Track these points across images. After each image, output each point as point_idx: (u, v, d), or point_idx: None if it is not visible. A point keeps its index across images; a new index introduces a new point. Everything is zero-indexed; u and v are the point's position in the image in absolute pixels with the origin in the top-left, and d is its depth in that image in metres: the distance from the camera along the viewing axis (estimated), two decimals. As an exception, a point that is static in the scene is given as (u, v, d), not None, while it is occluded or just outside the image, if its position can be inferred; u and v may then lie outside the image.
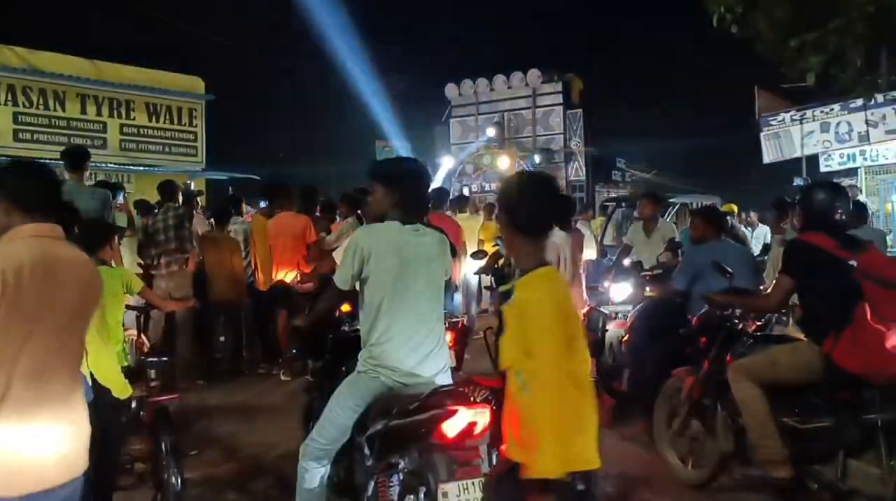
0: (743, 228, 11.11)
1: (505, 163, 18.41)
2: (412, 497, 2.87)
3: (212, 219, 9.03)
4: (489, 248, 8.82)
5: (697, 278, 5.15)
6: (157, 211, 7.86)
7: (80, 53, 15.98)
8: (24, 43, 15.22)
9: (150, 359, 4.28)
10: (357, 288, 3.26)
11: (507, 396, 2.34)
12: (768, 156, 16.90)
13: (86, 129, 15.86)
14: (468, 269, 9.28)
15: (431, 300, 3.24)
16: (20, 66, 14.80)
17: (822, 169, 16.07)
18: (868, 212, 8.29)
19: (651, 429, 5.11)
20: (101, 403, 3.47)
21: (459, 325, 5.57)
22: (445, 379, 3.19)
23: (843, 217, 3.93)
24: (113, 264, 4.64)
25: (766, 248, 8.96)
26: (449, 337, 5.29)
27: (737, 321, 4.39)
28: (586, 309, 6.14)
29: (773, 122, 16.66)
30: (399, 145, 23.20)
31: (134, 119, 16.67)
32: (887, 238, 13.68)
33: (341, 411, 3.18)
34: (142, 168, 16.39)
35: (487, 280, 9.41)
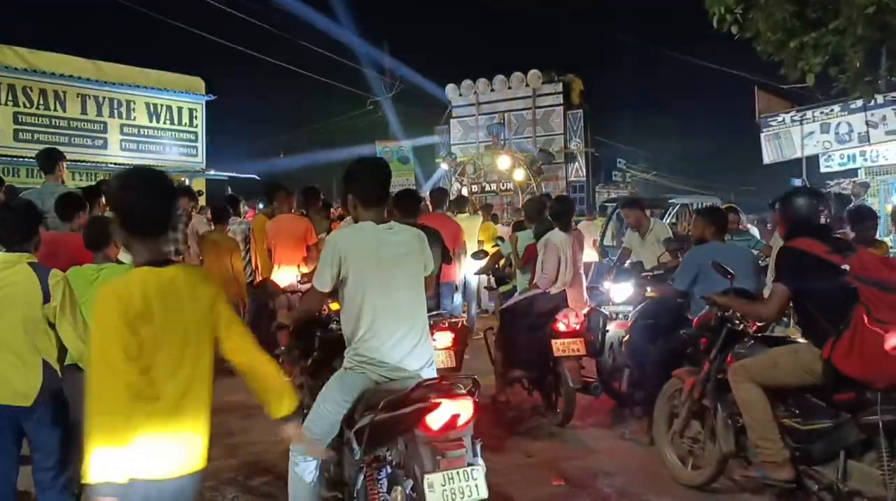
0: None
1: (505, 164, 18.40)
2: (399, 488, 2.94)
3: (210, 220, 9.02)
4: (489, 249, 8.84)
5: (698, 279, 5.15)
6: None
7: (81, 53, 15.99)
8: (24, 43, 15.25)
9: None
10: (338, 289, 3.33)
11: None
12: (768, 157, 16.90)
13: (86, 129, 15.87)
14: (468, 270, 9.29)
15: (412, 295, 3.32)
16: (21, 66, 14.81)
17: (823, 169, 16.07)
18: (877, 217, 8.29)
19: (651, 430, 5.12)
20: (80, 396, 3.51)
21: (459, 325, 5.58)
22: (430, 372, 3.27)
23: (828, 219, 3.95)
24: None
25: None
26: (449, 337, 5.35)
27: (737, 322, 4.39)
28: (587, 309, 6.14)
29: (773, 123, 16.66)
30: (399, 146, 23.23)
31: (134, 119, 16.68)
32: (886, 239, 13.70)
33: (329, 406, 3.25)
34: (142, 168, 16.38)
35: (486, 280, 9.45)
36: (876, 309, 3.39)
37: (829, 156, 15.90)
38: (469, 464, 2.81)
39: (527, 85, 20.38)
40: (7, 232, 3.46)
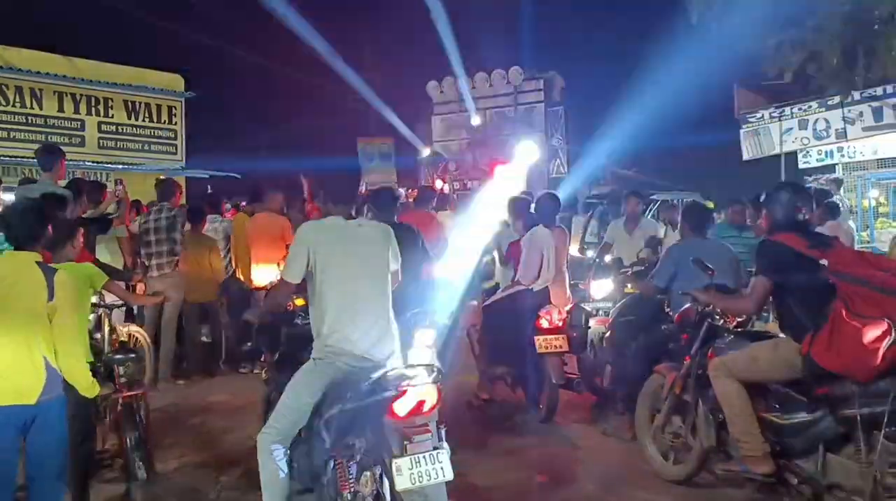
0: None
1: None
2: (368, 473, 3.06)
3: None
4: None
5: (678, 275, 5.18)
6: (150, 210, 7.72)
7: (57, 50, 15.77)
8: (-1, 40, 15.01)
9: (117, 356, 4.36)
10: (306, 283, 3.47)
11: None
12: (747, 154, 17.03)
13: (63, 127, 15.64)
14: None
15: (377, 287, 3.45)
16: (-5, 64, 14.59)
17: (801, 165, 16.22)
18: (839, 209, 8.41)
19: (633, 425, 5.14)
20: (71, 400, 3.55)
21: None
22: (396, 361, 3.39)
23: (807, 216, 4.03)
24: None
25: None
26: (431, 334, 5.33)
27: (717, 317, 4.42)
28: (569, 306, 6.16)
29: (751, 120, 16.79)
30: (381, 143, 23.14)
31: (112, 117, 16.47)
32: (863, 234, 13.86)
33: (297, 397, 3.36)
34: (121, 166, 16.20)
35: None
36: (854, 303, 3.42)
37: (807, 152, 16.05)
38: (434, 448, 2.93)
39: (508, 82, 20.38)
40: (17, 231, 3.53)
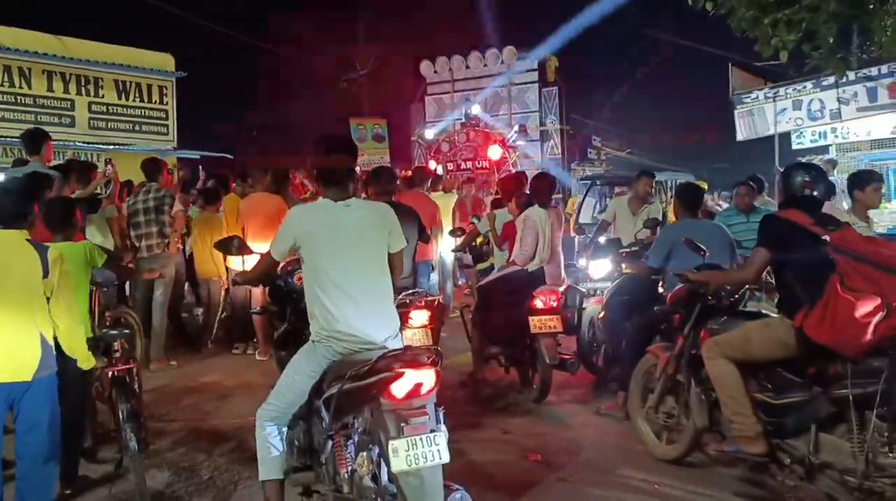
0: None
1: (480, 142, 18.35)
2: (365, 454, 3.06)
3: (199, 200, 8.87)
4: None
5: (672, 255, 5.18)
6: (138, 191, 7.66)
7: (46, 29, 15.58)
8: (-13, 18, 14.82)
9: (112, 332, 4.41)
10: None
11: None
12: (741, 134, 17.02)
13: (53, 107, 15.49)
14: (444, 247, 9.27)
15: (374, 268, 3.40)
16: (-17, 42, 14.42)
17: (794, 146, 16.23)
18: (834, 189, 8.41)
19: (626, 405, 5.16)
20: (69, 373, 3.60)
21: (436, 303, 5.56)
22: (396, 343, 3.36)
23: (817, 195, 4.05)
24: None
25: None
26: (425, 315, 5.35)
27: (711, 298, 4.42)
28: (564, 286, 6.15)
29: (746, 100, 16.76)
30: (373, 123, 23.05)
31: (103, 97, 16.31)
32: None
33: (297, 377, 3.38)
34: (112, 146, 16.08)
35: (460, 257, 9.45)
36: (850, 278, 3.44)
37: (801, 132, 16.04)
38: (431, 431, 2.92)
39: (502, 62, 20.28)
40: (3, 210, 3.57)
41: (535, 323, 5.80)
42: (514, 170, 14.97)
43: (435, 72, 21.17)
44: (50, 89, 15.44)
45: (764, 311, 4.38)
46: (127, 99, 16.71)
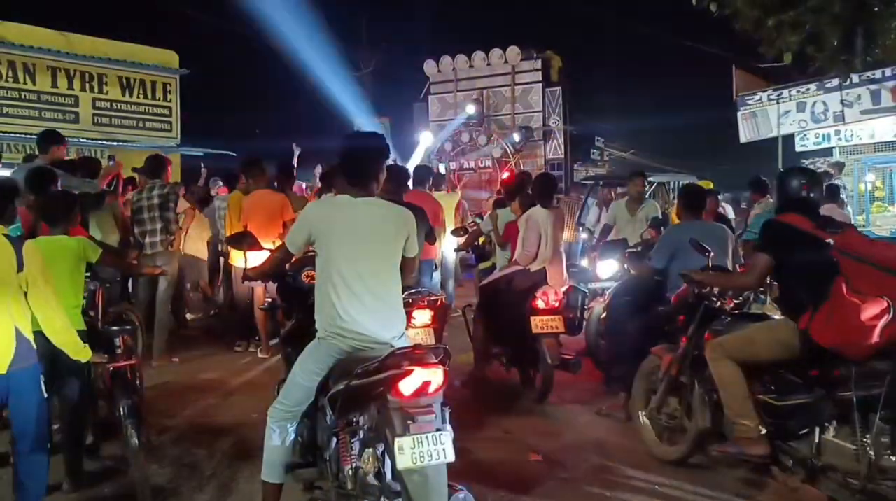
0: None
1: (484, 142, 18.36)
2: (370, 451, 3.05)
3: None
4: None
5: (676, 256, 5.17)
6: (143, 188, 7.68)
7: (51, 25, 15.60)
8: (-9, 14, 14.84)
9: (113, 328, 4.43)
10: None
11: None
12: (745, 136, 16.99)
13: (57, 103, 15.53)
14: (447, 247, 9.27)
15: (385, 268, 3.39)
16: (-12, 38, 14.44)
17: (798, 148, 16.20)
18: (839, 192, 8.43)
19: (628, 406, 5.16)
20: (63, 366, 3.62)
21: (438, 303, 5.56)
22: (403, 342, 3.35)
23: (816, 198, 4.07)
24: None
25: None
26: (428, 314, 5.35)
27: (714, 299, 4.42)
28: (566, 287, 6.15)
29: (749, 102, 16.73)
30: (378, 122, 23.03)
31: (107, 93, 16.35)
32: (859, 218, 13.89)
33: (304, 375, 3.37)
34: (115, 143, 16.11)
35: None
36: (855, 280, 3.44)
37: (805, 135, 16.02)
38: (438, 429, 2.92)
39: (506, 62, 20.26)
40: None
41: (537, 323, 5.80)
42: (516, 171, 14.97)
43: (439, 71, 21.15)
44: (54, 85, 15.47)
45: (768, 313, 4.38)
46: (131, 95, 16.75)
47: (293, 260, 3.75)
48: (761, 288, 4.64)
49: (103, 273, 4.52)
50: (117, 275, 4.72)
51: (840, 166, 13.14)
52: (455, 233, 8.30)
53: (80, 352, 3.72)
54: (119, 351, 4.40)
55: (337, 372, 3.27)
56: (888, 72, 13.62)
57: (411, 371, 2.89)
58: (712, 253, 4.61)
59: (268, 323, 7.46)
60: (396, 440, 2.84)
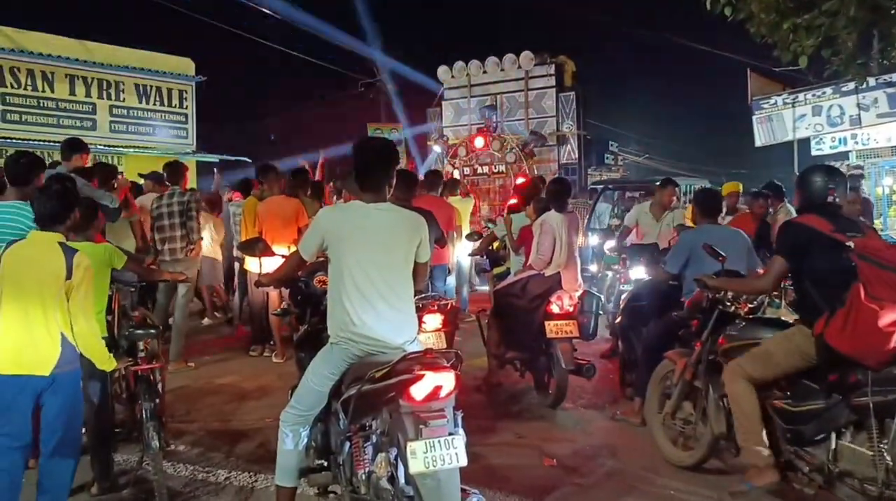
0: None
1: (497, 147, 18.36)
2: (383, 455, 3.07)
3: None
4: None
5: (690, 261, 5.15)
6: (162, 195, 7.75)
7: (69, 33, 15.79)
8: (11, 23, 15.03)
9: (137, 331, 4.46)
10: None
11: None
12: (760, 140, 16.91)
13: (75, 111, 15.70)
14: (461, 252, 9.28)
15: (397, 273, 3.40)
16: (8, 47, 14.62)
17: (814, 152, 16.09)
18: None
19: (643, 411, 5.14)
20: (84, 370, 3.69)
21: (449, 307, 5.56)
22: (415, 346, 3.37)
23: (837, 200, 3.91)
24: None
25: None
26: (439, 319, 5.36)
27: (729, 303, 4.39)
28: (580, 291, 6.14)
29: (765, 106, 16.65)
30: (390, 127, 23.12)
31: (124, 100, 16.51)
32: (876, 222, 13.76)
33: (317, 380, 3.40)
34: (132, 149, 16.27)
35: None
36: (873, 286, 3.37)
37: (821, 139, 15.91)
38: (450, 434, 2.92)
39: (519, 67, 20.23)
40: (42, 213, 3.71)
41: (552, 327, 5.80)
42: (530, 176, 14.97)
43: (452, 76, 21.17)
44: (72, 93, 15.65)
45: (783, 318, 4.34)
46: (147, 103, 16.90)
47: (306, 265, 3.77)
48: (775, 293, 4.60)
49: (121, 277, 4.57)
50: (135, 280, 4.76)
51: (859, 171, 12.99)
52: (469, 237, 8.32)
53: (106, 362, 3.78)
54: (142, 354, 4.46)
55: (349, 376, 3.29)
56: (904, 75, 13.54)
57: (423, 375, 2.90)
58: (726, 258, 4.59)
59: (282, 328, 7.49)
60: (409, 444, 2.85)
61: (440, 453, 2.85)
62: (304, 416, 3.42)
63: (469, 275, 10.47)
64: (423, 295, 5.47)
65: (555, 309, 5.82)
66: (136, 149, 16.30)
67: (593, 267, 9.70)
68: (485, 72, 20.64)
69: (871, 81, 13.36)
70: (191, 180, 8.85)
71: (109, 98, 16.26)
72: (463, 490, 3.00)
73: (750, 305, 4.44)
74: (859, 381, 3.47)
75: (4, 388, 3.52)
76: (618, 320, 6.19)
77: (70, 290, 3.57)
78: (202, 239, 7.69)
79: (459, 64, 20.93)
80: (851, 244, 3.52)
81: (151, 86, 16.98)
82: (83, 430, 4.19)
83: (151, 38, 17.65)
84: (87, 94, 15.90)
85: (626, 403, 5.82)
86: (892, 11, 8.30)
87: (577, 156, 20.10)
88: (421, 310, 5.23)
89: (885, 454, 3.37)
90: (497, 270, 8.00)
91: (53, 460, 3.60)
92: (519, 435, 5.36)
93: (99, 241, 4.70)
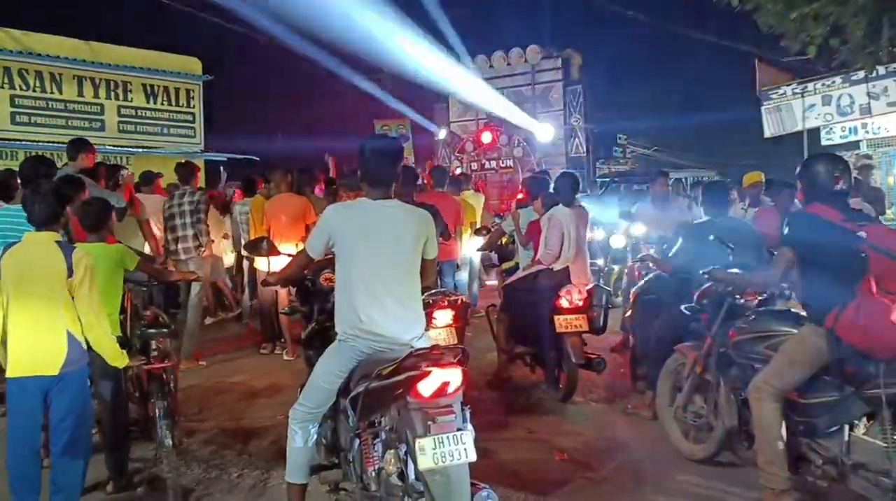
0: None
1: (505, 141, 18.33)
2: (392, 452, 3.07)
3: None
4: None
5: (700, 253, 5.12)
6: (173, 194, 7.79)
7: (76, 35, 15.84)
8: (19, 25, 15.09)
9: (150, 330, 4.50)
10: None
11: None
12: (769, 130, 16.81)
13: (83, 112, 15.77)
14: (471, 247, 9.28)
15: (404, 270, 3.40)
16: (16, 49, 14.68)
17: (824, 142, 15.97)
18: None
19: (654, 404, 5.13)
20: (97, 368, 3.72)
21: (459, 303, 5.56)
22: (423, 343, 3.36)
23: (845, 187, 3.80)
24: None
25: None
26: (449, 314, 5.36)
27: (738, 296, 4.37)
28: (590, 285, 6.13)
29: (773, 96, 16.54)
30: (397, 123, 23.10)
31: (131, 100, 16.57)
32: (887, 211, 13.65)
33: (325, 377, 3.40)
34: (140, 150, 16.33)
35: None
36: (885, 280, 3.33)
37: (831, 128, 15.80)
38: (458, 429, 2.94)
39: (526, 61, 20.21)
40: (36, 212, 3.73)
41: (561, 322, 5.79)
42: (537, 170, 14.94)
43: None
44: (80, 94, 15.71)
45: (793, 310, 4.30)
46: (155, 102, 16.96)
47: (314, 263, 3.78)
48: (785, 285, 4.55)
49: (133, 276, 4.60)
50: (145, 279, 4.79)
51: (870, 168, 12.83)
52: (478, 233, 8.31)
53: (118, 359, 3.82)
54: (155, 352, 4.49)
55: (357, 373, 3.29)
56: (916, 63, 13.41)
57: (429, 372, 2.91)
58: (734, 249, 4.56)
59: (292, 326, 7.51)
60: (417, 441, 2.86)
61: (449, 449, 2.86)
62: (312, 413, 3.43)
63: (479, 271, 10.46)
64: (433, 291, 5.48)
65: (564, 303, 5.81)
66: (144, 149, 16.36)
67: (600, 261, 9.68)
68: (491, 66, 20.61)
69: (881, 70, 13.21)
70: (200, 180, 8.90)
71: (117, 98, 16.32)
72: (473, 485, 3.01)
73: (760, 297, 4.41)
74: (872, 373, 3.43)
75: (20, 390, 3.56)
76: (628, 314, 6.17)
77: (74, 288, 3.60)
78: (213, 241, 7.71)
79: (466, 58, 20.87)
80: (864, 234, 3.44)
81: (159, 86, 17.03)
82: (95, 429, 4.23)
83: (158, 38, 17.69)
84: (95, 95, 15.97)
85: (636, 397, 5.81)
86: (902, -1, 8.22)
87: (584, 149, 20.05)
88: (431, 306, 5.24)
89: (898, 445, 3.34)
90: (506, 265, 7.99)
91: (64, 458, 3.63)
92: (529, 430, 5.35)
93: (111, 242, 4.73)
